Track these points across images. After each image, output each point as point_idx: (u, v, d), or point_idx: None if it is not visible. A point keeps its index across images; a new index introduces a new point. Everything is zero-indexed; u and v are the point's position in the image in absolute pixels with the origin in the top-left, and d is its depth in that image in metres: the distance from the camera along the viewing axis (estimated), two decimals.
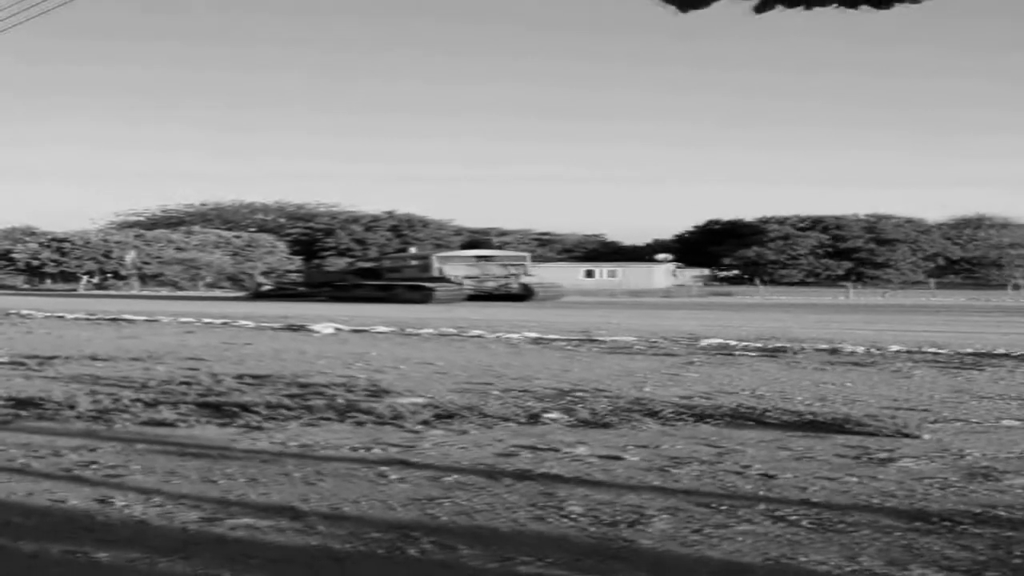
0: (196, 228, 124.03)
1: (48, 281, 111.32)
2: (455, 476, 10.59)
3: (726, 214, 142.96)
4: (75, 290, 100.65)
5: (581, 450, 12.08)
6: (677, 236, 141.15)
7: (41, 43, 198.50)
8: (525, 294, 76.11)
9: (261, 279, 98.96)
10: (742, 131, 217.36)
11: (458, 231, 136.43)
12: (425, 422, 14.09)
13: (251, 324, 38.13)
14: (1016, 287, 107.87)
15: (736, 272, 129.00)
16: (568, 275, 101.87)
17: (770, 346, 27.76)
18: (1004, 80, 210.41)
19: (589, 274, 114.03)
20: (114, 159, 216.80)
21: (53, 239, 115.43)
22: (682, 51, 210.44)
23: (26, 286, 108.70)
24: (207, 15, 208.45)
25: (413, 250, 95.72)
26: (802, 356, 24.97)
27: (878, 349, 26.46)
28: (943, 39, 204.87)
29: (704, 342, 29.15)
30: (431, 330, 35.09)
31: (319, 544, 8.01)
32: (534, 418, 14.53)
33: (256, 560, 7.52)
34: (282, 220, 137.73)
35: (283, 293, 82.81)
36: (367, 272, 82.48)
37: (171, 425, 13.88)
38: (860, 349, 26.52)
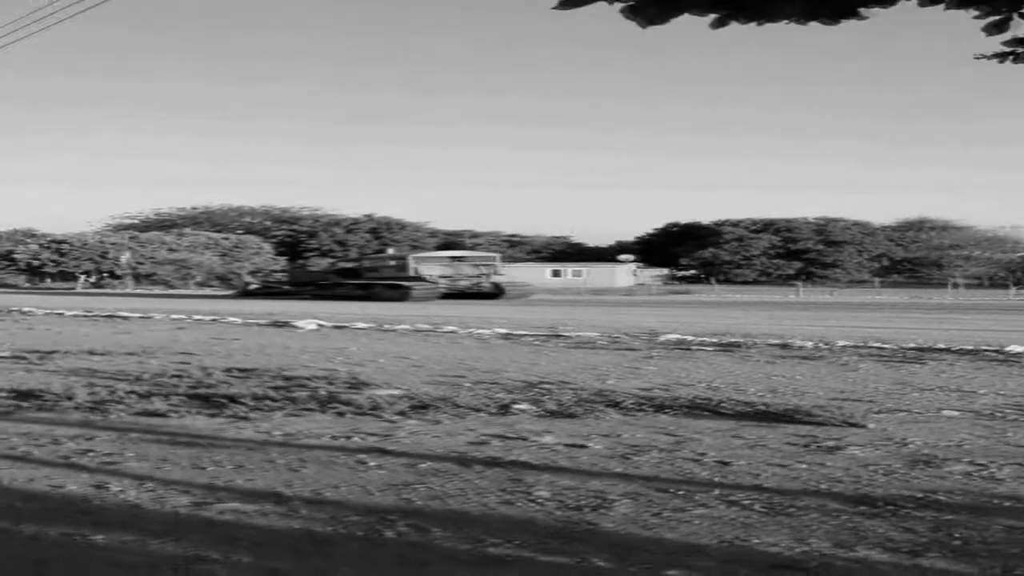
0: (187, 230, 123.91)
1: (48, 280, 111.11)
2: (429, 463, 10.60)
3: (684, 217, 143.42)
4: (73, 289, 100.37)
5: (548, 439, 12.09)
6: (638, 238, 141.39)
7: (41, 57, 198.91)
8: (496, 292, 76.20)
9: (248, 278, 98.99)
10: (700, 139, 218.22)
11: (433, 233, 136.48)
12: (401, 412, 14.10)
13: (239, 321, 38.08)
14: (955, 286, 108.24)
15: (693, 272, 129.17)
16: (536, 275, 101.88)
17: (725, 341, 27.81)
18: (948, 92, 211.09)
19: (556, 274, 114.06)
20: (110, 166, 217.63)
21: (52, 241, 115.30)
22: (645, 63, 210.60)
23: (27, 285, 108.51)
24: (197, 31, 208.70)
25: (391, 251, 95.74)
26: (755, 350, 25.02)
27: (826, 344, 26.54)
28: (890, 53, 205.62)
29: (663, 337, 29.19)
30: (407, 326, 35.10)
31: (301, 527, 8.01)
32: (504, 409, 14.54)
33: (243, 542, 7.52)
34: (268, 223, 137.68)
35: (269, 292, 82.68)
36: (348, 272, 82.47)
37: (163, 415, 13.88)
38: (809, 344, 26.59)
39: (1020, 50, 6.39)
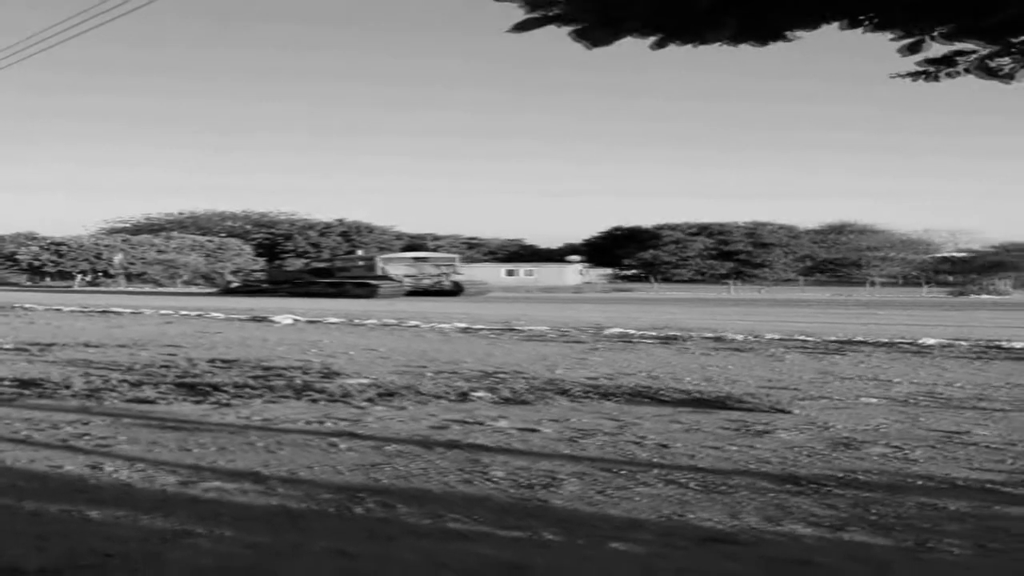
0: (174, 234, 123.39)
1: (48, 279, 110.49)
2: (395, 446, 10.58)
3: (627, 222, 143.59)
4: (71, 287, 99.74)
5: (503, 423, 12.09)
6: (585, 240, 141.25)
7: (41, 76, 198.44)
8: (455, 290, 76.20)
9: (230, 277, 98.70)
10: (641, 151, 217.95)
11: (398, 236, 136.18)
12: (370, 399, 14.08)
13: (221, 316, 37.90)
14: (873, 284, 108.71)
15: (635, 271, 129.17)
16: (492, 274, 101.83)
17: (664, 334, 27.86)
18: (867, 108, 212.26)
19: (510, 273, 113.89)
20: (104, 175, 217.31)
21: (52, 243, 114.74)
22: (591, 81, 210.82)
23: (28, 283, 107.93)
24: (186, 51, 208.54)
25: (360, 252, 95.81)
26: (691, 343, 25.08)
27: (756, 337, 26.62)
28: (813, 72, 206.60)
29: (607, 331, 29.22)
30: (375, 321, 35.06)
31: (278, 504, 7.99)
32: (463, 396, 14.53)
33: (225, 518, 7.49)
34: (248, 227, 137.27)
35: (249, 289, 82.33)
36: (321, 271, 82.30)
37: (153, 402, 13.81)
38: (740, 337, 26.67)
39: (932, 69, 6.42)
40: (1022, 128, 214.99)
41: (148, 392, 14.71)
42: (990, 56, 6.31)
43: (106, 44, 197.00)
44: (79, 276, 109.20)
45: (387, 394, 14.62)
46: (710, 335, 27.50)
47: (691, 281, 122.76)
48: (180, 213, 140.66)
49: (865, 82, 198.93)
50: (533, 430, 11.62)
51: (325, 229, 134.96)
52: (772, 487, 8.65)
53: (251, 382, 15.87)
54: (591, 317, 38.47)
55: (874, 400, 14.44)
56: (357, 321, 35.00)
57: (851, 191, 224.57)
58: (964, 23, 5.99)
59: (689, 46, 6.32)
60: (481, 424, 12.06)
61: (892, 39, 6.14)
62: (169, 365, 18.59)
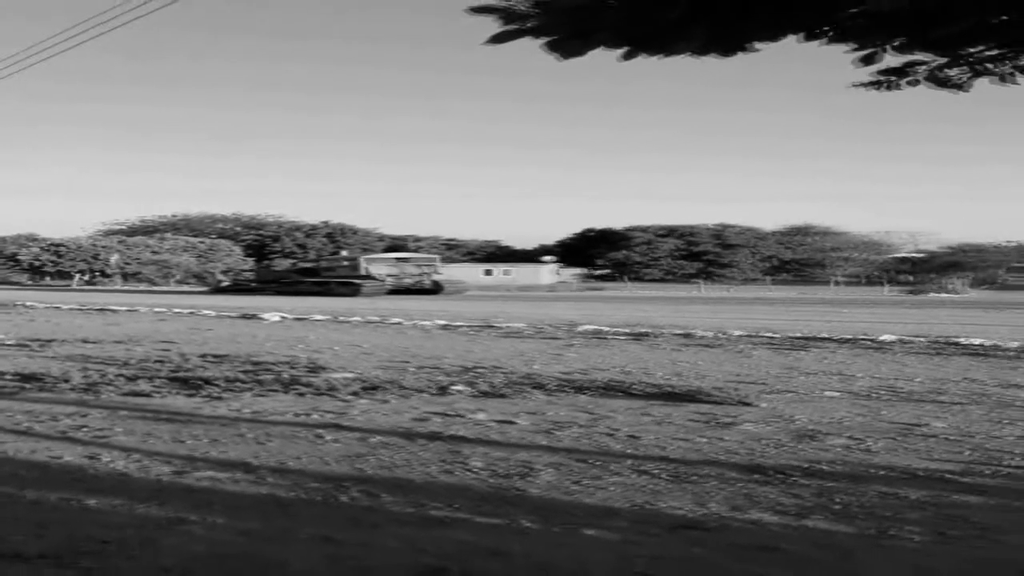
0: (168, 235, 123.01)
1: (47, 278, 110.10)
2: (379, 437, 10.60)
3: (599, 224, 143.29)
4: (69, 286, 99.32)
5: (481, 416, 12.11)
6: (559, 241, 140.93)
7: (41, 86, 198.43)
8: (435, 289, 76.09)
9: (221, 277, 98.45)
10: (613, 157, 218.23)
11: (381, 238, 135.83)
12: (354, 393, 14.11)
13: (213, 313, 37.85)
14: (836, 283, 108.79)
15: (607, 271, 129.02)
16: (470, 273, 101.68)
17: (635, 331, 27.89)
18: (826, 116, 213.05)
19: (488, 273, 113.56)
20: (101, 179, 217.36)
21: (51, 244, 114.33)
22: (563, 91, 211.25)
23: (29, 282, 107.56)
24: (180, 63, 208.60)
25: (344, 253, 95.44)
26: (662, 339, 25.12)
27: (723, 334, 26.68)
28: (777, 81, 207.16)
29: (581, 328, 29.26)
30: (359, 318, 35.02)
31: (268, 493, 8.00)
32: (443, 390, 14.55)
33: (217, 506, 7.51)
34: (238, 228, 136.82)
35: (239, 288, 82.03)
36: (307, 271, 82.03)
37: (148, 396, 13.84)
38: (709, 334, 26.71)
39: (888, 79, 6.46)
40: (976, 135, 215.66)
41: (143, 386, 14.73)
42: (941, 67, 6.36)
43: (103, 55, 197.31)
44: (77, 276, 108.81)
45: (371, 388, 14.64)
46: (680, 332, 27.54)
47: (661, 280, 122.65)
48: (173, 216, 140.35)
49: (827, 91, 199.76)
50: (510, 422, 11.65)
51: (311, 231, 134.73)
52: (739, 477, 8.69)
53: (241, 376, 15.90)
54: (566, 315, 38.49)
55: (837, 394, 14.49)
56: (342, 318, 34.96)
57: (814, 195, 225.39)
58: (915, 36, 6.04)
59: (657, 57, 6.36)
60: (461, 417, 12.08)
61: (849, 51, 6.19)
62: (163, 360, 18.59)
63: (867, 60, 6.23)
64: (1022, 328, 30.62)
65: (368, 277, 75.55)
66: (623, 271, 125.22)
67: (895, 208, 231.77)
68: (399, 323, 32.42)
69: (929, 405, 13.35)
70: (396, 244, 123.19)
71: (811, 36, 6.12)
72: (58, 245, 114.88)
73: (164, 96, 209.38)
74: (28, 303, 46.18)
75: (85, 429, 11.05)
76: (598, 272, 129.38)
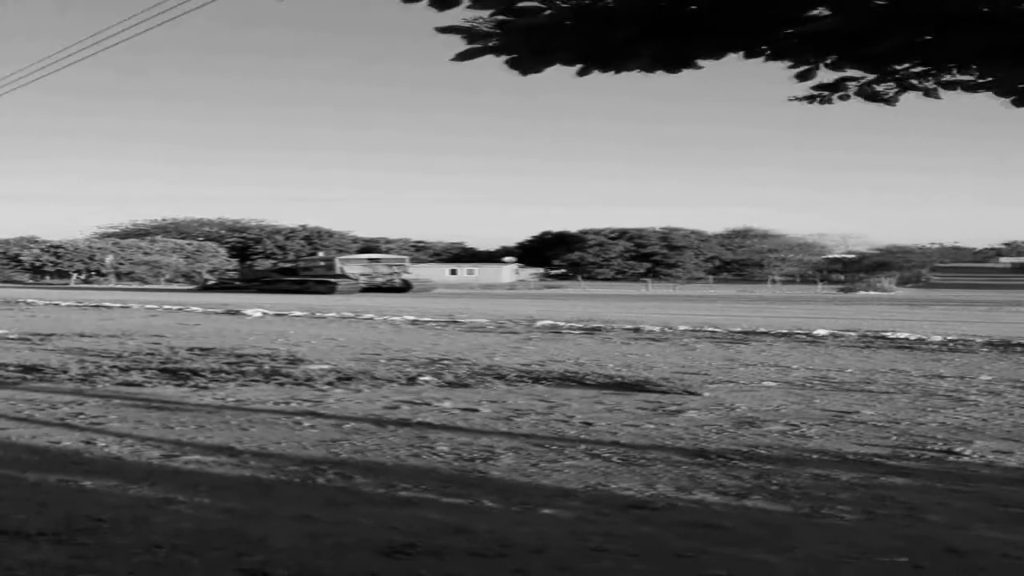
0: (158, 238, 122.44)
1: (47, 278, 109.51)
2: (352, 423, 10.61)
3: (556, 227, 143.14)
4: (67, 284, 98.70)
5: (447, 404, 12.14)
6: (519, 243, 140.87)
7: (44, 99, 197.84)
8: (405, 287, 75.91)
9: (207, 276, 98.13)
10: (569, 165, 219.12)
11: (355, 240, 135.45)
12: (330, 383, 14.14)
13: (199, 310, 37.71)
14: (773, 282, 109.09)
15: (563, 271, 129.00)
16: (437, 273, 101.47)
17: (589, 326, 27.93)
18: (766, 128, 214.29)
19: (453, 272, 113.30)
20: (97, 186, 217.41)
21: (51, 246, 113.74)
22: (518, 105, 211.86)
23: (30, 282, 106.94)
24: (169, 78, 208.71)
25: (321, 254, 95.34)
26: (613, 333, 25.17)
27: (670, 328, 26.74)
28: (721, 95, 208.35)
29: (539, 323, 29.29)
30: (334, 314, 34.95)
31: (250, 475, 8.01)
32: (412, 380, 14.58)
33: (203, 487, 7.51)
34: (223, 231, 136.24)
35: (224, 286, 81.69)
36: (287, 271, 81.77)
37: (139, 385, 13.85)
38: (656, 329, 26.77)
39: (824, 93, 6.50)
40: (903, 145, 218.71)
41: (135, 376, 14.76)
42: (871, 83, 6.40)
43: (98, 71, 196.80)
44: (75, 275, 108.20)
45: (345, 378, 14.66)
46: (629, 327, 27.58)
47: (612, 279, 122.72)
48: (163, 220, 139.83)
49: (767, 105, 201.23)
50: (474, 410, 11.68)
51: (290, 234, 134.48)
52: (684, 460, 8.74)
53: (226, 368, 15.91)
54: (524, 311, 38.49)
55: (774, 384, 14.58)
56: (318, 314, 34.89)
57: (754, 200, 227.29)
58: (847, 54, 6.08)
59: (610, 73, 6.38)
60: (428, 405, 12.11)
61: (786, 68, 6.23)
62: (154, 353, 18.58)
63: (803, 76, 6.26)
64: (944, 323, 30.81)
65: (343, 276, 75.42)
66: (578, 271, 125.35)
67: (828, 213, 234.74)
68: (371, 319, 32.37)
69: (859, 394, 13.44)
70: (369, 246, 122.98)
71: (751, 54, 6.15)
72: (57, 247, 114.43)
73: (153, 109, 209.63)
74: (29, 300, 45.91)
75: (82, 416, 11.05)
76: (555, 272, 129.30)
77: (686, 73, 6.50)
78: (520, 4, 5.80)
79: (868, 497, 7.39)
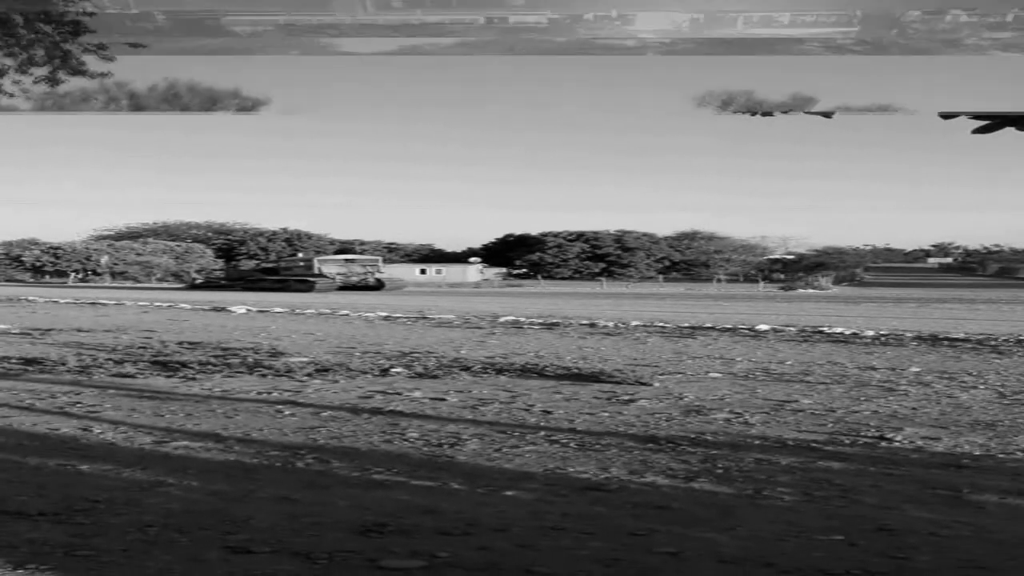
0: (150, 240, 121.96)
1: (47, 277, 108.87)
2: (329, 412, 10.62)
3: (517, 230, 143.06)
4: (65, 283, 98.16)
5: (417, 394, 12.15)
6: (484, 245, 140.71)
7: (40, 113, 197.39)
8: (378, 286, 75.76)
9: (195, 275, 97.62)
10: (530, 172, 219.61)
11: (332, 242, 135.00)
12: (309, 374, 14.14)
13: (188, 307, 37.46)
14: (719, 281, 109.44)
15: (524, 270, 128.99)
16: (408, 272, 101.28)
17: (548, 322, 27.97)
18: (711, 138, 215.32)
19: (422, 272, 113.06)
20: (93, 192, 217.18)
21: (50, 247, 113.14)
22: (486, 119, 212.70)
23: (31, 281, 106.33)
24: (160, 89, 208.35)
25: (300, 255, 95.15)
26: (570, 329, 25.21)
27: (623, 324, 26.81)
28: (671, 108, 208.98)
29: (502, 319, 29.29)
30: (313, 311, 34.89)
31: (235, 459, 8.01)
32: (384, 372, 14.58)
33: (191, 470, 7.51)
34: (210, 234, 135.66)
35: (211, 285, 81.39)
36: (269, 270, 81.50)
37: (132, 376, 13.84)
38: (610, 324, 26.85)
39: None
40: (838, 154, 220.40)
41: (129, 368, 14.76)
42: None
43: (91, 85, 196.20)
44: (72, 274, 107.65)
45: (323, 370, 14.66)
46: (586, 322, 27.65)
47: (570, 278, 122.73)
48: (155, 223, 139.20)
49: (712, 117, 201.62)
50: (441, 399, 11.69)
51: (272, 236, 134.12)
52: (636, 446, 8.78)
53: (212, 360, 15.91)
54: (489, 308, 38.48)
55: (720, 375, 14.64)
56: (298, 311, 34.83)
57: (701, 205, 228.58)
58: None
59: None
60: (399, 394, 12.12)
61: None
62: (146, 346, 18.54)
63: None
64: (877, 319, 30.99)
65: (321, 276, 75.28)
66: (538, 270, 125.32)
67: (770, 217, 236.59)
68: (347, 315, 32.34)
69: (798, 384, 13.53)
70: (345, 247, 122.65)
71: None
72: (56, 248, 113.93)
73: (143, 121, 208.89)
74: (30, 298, 45.62)
75: (79, 405, 11.04)
76: (517, 271, 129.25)
77: None
78: None
79: (806, 480, 7.45)
